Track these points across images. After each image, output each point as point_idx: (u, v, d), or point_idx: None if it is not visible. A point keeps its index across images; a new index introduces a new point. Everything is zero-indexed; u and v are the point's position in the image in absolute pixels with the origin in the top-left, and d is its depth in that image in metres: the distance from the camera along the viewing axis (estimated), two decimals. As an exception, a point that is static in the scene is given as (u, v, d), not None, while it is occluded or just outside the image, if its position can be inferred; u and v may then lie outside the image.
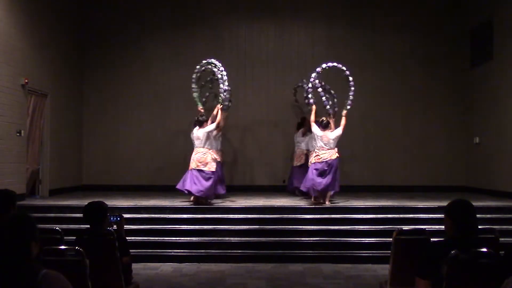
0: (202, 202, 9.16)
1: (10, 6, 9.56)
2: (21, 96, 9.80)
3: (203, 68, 10.18)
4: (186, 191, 9.16)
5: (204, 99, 10.77)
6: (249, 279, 6.64)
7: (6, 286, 2.18)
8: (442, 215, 3.30)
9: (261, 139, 12.76)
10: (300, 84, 11.72)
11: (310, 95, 9.80)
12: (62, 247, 3.79)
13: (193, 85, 10.05)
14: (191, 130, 9.71)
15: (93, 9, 13.07)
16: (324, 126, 9.32)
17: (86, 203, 4.48)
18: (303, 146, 11.24)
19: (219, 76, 9.74)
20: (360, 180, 12.53)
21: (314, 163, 9.19)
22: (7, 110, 9.29)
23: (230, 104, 10.60)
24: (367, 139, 12.70)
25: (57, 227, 4.86)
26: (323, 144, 9.18)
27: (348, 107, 9.52)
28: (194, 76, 10.10)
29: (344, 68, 9.65)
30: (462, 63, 12.63)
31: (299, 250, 7.87)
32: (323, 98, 9.75)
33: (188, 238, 8.12)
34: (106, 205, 4.51)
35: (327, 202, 9.20)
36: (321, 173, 9.09)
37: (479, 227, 3.40)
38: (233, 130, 12.48)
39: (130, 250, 4.66)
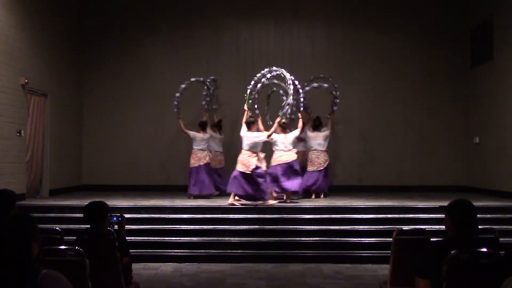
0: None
1: (10, 6, 9.56)
2: (21, 96, 9.80)
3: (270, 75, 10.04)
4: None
5: (250, 101, 10.37)
6: (249, 279, 6.65)
7: (6, 286, 2.18)
8: (442, 215, 3.30)
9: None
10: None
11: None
12: (62, 247, 3.79)
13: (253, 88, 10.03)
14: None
15: (93, 10, 13.07)
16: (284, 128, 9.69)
17: (87, 203, 4.48)
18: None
19: (289, 89, 9.51)
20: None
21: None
22: (7, 110, 9.28)
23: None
24: (367, 139, 12.69)
25: (57, 227, 4.86)
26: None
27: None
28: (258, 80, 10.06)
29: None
30: (462, 63, 12.62)
31: (299, 250, 7.87)
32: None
33: (188, 238, 8.12)
34: (107, 205, 4.50)
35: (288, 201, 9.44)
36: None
37: (479, 227, 3.40)
38: (233, 130, 12.46)
39: (130, 250, 4.65)
